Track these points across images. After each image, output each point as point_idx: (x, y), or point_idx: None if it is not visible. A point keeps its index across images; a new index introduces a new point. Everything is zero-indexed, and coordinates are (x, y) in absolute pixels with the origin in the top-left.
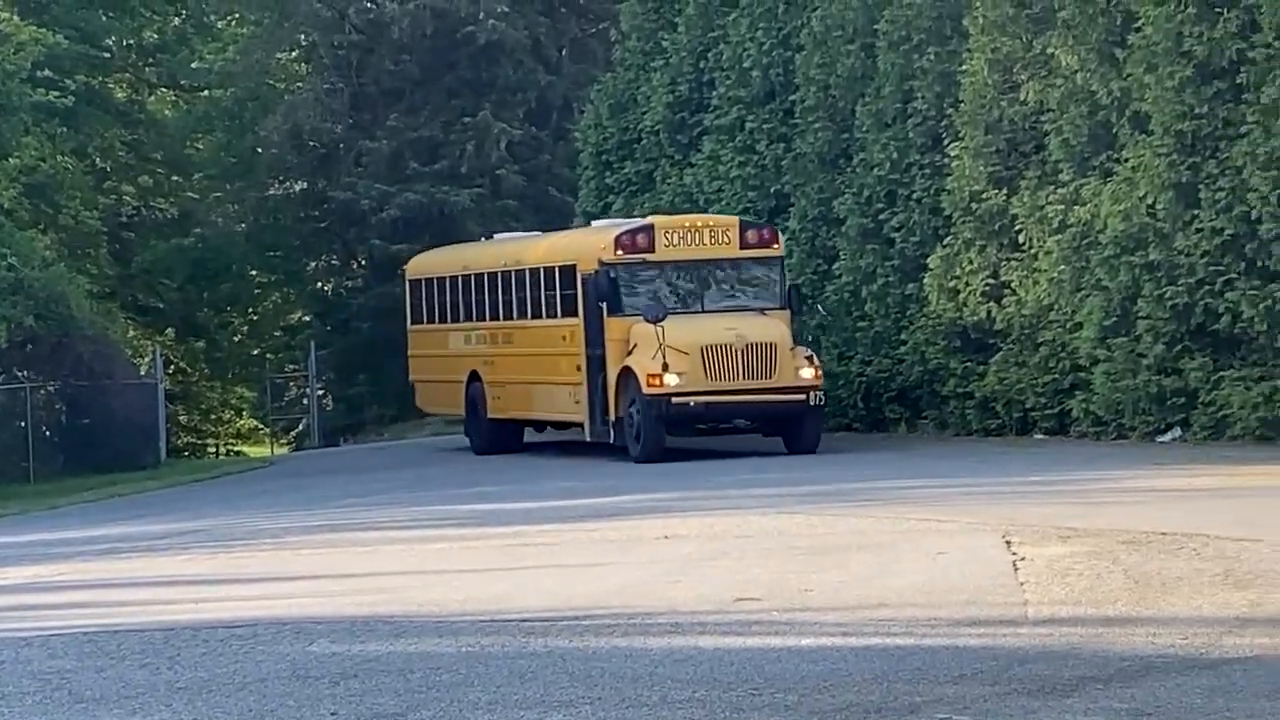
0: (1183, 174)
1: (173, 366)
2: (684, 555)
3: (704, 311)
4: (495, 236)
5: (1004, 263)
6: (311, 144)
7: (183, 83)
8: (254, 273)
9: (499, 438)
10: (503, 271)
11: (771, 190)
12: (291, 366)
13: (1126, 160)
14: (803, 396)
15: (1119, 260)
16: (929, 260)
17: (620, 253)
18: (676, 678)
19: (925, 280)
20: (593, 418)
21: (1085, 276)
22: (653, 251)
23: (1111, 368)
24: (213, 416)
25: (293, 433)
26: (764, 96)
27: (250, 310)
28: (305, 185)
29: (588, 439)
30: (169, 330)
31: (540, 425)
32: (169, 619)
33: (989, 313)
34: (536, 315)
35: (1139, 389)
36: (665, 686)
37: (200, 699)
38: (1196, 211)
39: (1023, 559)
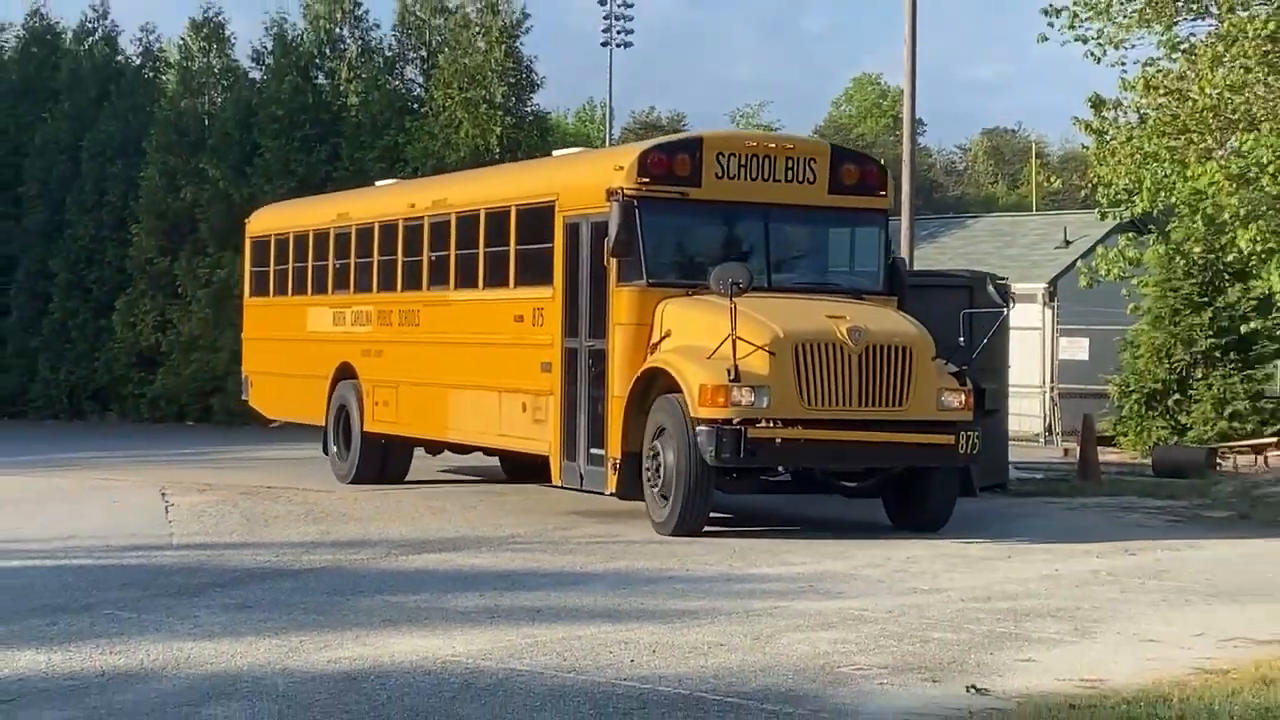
0: None
1: None
2: None
3: (770, 290)
4: (379, 184)
5: (168, 306)
6: None
7: None
8: None
9: (375, 461)
10: (407, 221)
11: (2, 253)
12: None
13: None
14: (949, 439)
15: None
16: (116, 303)
17: (646, 181)
18: None
19: (114, 317)
20: (570, 449)
21: (223, 318)
22: (698, 184)
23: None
24: None
25: None
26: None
27: None
28: None
29: (556, 482)
30: None
31: (435, 448)
32: None
33: (157, 340)
34: (468, 283)
35: None
36: None
37: None
38: None
39: (173, 505)
